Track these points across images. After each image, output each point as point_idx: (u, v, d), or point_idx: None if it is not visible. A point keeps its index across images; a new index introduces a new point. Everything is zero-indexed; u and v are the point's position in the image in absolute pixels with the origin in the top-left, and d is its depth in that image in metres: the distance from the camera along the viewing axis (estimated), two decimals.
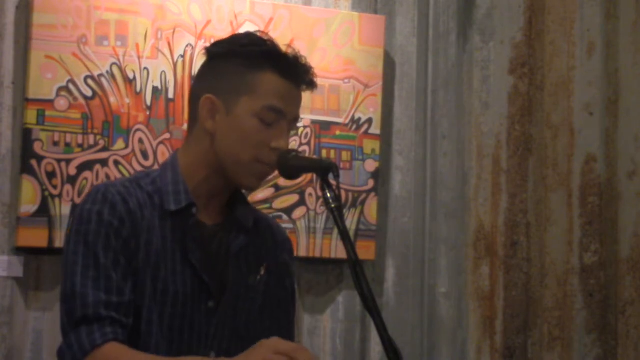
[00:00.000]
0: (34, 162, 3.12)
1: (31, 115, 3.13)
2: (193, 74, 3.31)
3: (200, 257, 2.08)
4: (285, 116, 2.08)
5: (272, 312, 2.21)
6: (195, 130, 2.13)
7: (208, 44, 3.29)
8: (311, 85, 2.15)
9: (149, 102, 3.26)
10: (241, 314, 2.12)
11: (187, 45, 3.31)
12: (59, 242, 3.10)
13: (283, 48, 2.12)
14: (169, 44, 3.30)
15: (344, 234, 1.94)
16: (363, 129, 3.53)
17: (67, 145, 3.16)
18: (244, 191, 2.21)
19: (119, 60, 3.23)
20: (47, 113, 3.14)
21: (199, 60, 3.30)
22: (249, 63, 2.08)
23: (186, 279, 2.06)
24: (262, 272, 2.17)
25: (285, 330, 2.24)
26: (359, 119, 3.53)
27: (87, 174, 3.18)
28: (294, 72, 2.10)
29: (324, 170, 2.02)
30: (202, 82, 2.15)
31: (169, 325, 2.04)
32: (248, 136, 2.06)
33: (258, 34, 2.16)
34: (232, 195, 2.16)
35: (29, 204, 3.10)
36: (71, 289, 2.00)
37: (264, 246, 2.20)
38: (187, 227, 2.08)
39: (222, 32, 3.30)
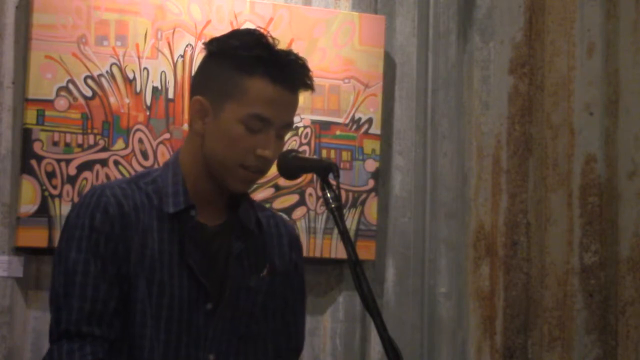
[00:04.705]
0: (33, 162, 3.12)
1: (31, 115, 3.13)
2: (193, 74, 3.31)
3: (198, 259, 2.06)
4: (272, 124, 2.04)
5: (279, 313, 2.19)
6: (190, 129, 2.13)
7: None
8: (307, 87, 2.09)
9: (148, 102, 3.26)
10: (241, 315, 2.11)
11: (187, 45, 3.31)
12: None
13: (278, 50, 2.06)
14: (168, 44, 3.30)
15: (344, 234, 1.94)
16: (363, 129, 3.53)
17: (67, 145, 3.16)
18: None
19: (118, 60, 3.23)
20: (47, 113, 3.14)
21: (199, 60, 3.32)
22: (238, 66, 2.04)
23: (183, 282, 2.05)
24: (265, 273, 2.15)
25: (294, 331, 2.24)
26: (359, 119, 3.53)
27: (87, 174, 3.17)
28: (287, 77, 2.05)
29: (324, 170, 2.02)
30: (196, 81, 2.15)
31: (165, 328, 2.03)
32: (233, 142, 2.04)
33: (257, 31, 2.11)
34: (234, 194, 2.14)
35: (28, 204, 3.10)
36: (57, 296, 2.04)
37: (269, 245, 2.18)
38: (185, 229, 2.07)
39: (222, 32, 3.28)
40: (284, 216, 3.34)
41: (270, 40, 2.08)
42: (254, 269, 2.14)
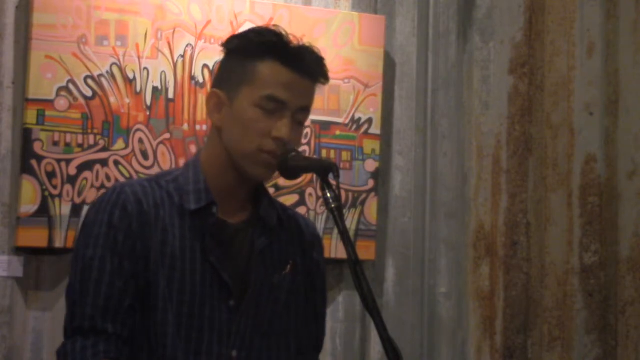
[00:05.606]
0: (34, 162, 3.12)
1: (31, 115, 3.13)
2: (193, 73, 3.31)
3: (220, 256, 2.07)
4: (287, 106, 2.06)
5: (301, 311, 2.20)
6: (209, 126, 2.15)
7: (208, 44, 3.33)
8: (319, 75, 2.11)
9: (148, 102, 3.26)
10: (264, 312, 2.12)
11: (187, 45, 3.31)
12: (59, 242, 3.10)
13: (290, 38, 2.09)
14: (169, 44, 3.30)
15: (344, 234, 1.94)
16: (363, 129, 3.53)
17: (67, 145, 3.16)
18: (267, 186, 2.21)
19: (119, 60, 3.24)
20: (47, 113, 3.14)
21: (199, 60, 3.33)
22: (249, 53, 2.07)
23: (205, 278, 2.06)
24: (288, 270, 2.16)
25: (315, 330, 2.24)
26: (359, 119, 3.53)
27: (87, 174, 3.18)
28: (297, 60, 2.07)
29: (324, 170, 2.02)
30: (213, 78, 2.18)
31: (187, 325, 2.04)
32: (249, 126, 2.05)
33: (270, 25, 2.14)
34: (255, 192, 2.15)
35: (29, 204, 3.10)
36: (73, 291, 2.03)
37: (291, 243, 2.19)
38: (207, 226, 2.07)
39: (222, 32, 3.30)
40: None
41: (283, 31, 2.11)
42: (277, 266, 2.15)
